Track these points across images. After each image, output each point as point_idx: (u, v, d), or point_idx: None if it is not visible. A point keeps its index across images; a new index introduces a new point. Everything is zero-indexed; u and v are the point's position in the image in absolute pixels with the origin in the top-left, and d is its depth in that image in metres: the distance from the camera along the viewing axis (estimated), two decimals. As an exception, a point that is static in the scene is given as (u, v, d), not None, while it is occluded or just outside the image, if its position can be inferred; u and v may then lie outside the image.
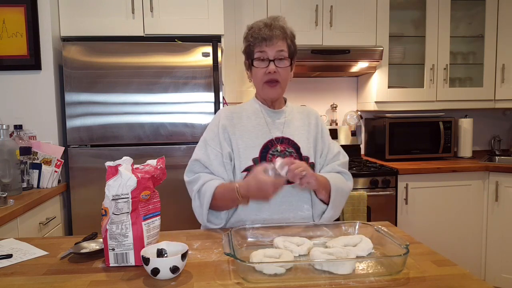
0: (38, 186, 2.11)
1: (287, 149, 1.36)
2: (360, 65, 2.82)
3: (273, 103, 1.44)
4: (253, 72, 1.40)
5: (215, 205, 1.31)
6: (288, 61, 1.36)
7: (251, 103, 1.48)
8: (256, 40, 1.36)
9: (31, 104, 2.25)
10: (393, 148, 2.89)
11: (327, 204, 1.35)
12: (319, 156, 1.44)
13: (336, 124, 3.20)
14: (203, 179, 1.33)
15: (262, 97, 1.44)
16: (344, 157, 1.47)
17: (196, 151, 1.41)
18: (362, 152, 3.26)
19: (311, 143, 1.42)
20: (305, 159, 1.37)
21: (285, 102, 1.51)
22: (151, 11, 2.32)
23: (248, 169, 1.32)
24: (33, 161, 2.12)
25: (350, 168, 2.57)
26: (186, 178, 1.38)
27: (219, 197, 1.29)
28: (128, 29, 2.32)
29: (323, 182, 1.31)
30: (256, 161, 1.34)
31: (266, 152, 1.35)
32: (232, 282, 0.93)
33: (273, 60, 1.33)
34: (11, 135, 2.09)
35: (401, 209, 2.62)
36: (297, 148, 1.38)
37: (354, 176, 2.49)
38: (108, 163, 1.04)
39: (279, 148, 1.36)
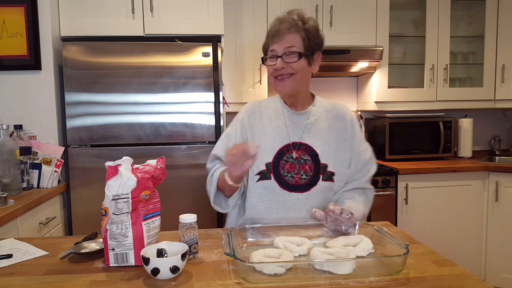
0: (38, 186, 2.11)
1: (302, 156, 1.30)
2: (360, 65, 2.81)
3: (294, 103, 1.37)
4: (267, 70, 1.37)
5: (221, 189, 1.33)
6: (299, 55, 1.26)
7: (275, 101, 1.42)
8: (268, 38, 1.31)
9: (31, 104, 2.25)
10: (393, 148, 2.89)
11: None
12: (346, 165, 1.33)
13: (336, 124, 3.19)
14: (216, 166, 1.38)
15: (277, 94, 1.39)
16: (373, 166, 1.37)
17: (217, 144, 1.45)
18: (362, 152, 3.25)
19: (332, 149, 1.32)
20: (323, 167, 1.29)
21: (313, 99, 1.41)
22: (151, 11, 2.32)
23: (261, 173, 1.31)
24: (33, 161, 2.12)
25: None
26: (207, 167, 1.45)
27: (220, 182, 1.30)
28: (128, 29, 2.32)
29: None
30: (269, 166, 1.30)
31: (281, 158, 1.31)
32: (232, 282, 0.93)
33: (281, 56, 1.27)
34: (11, 135, 2.09)
35: (401, 209, 2.62)
36: (314, 155, 1.30)
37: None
38: (108, 163, 1.04)
39: (294, 154, 1.31)
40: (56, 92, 2.29)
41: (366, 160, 1.36)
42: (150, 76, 2.24)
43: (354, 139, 1.35)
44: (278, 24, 1.28)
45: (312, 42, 1.29)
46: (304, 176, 1.29)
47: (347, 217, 1.13)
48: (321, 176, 1.29)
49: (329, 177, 1.30)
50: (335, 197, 1.35)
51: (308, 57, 1.30)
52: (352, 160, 1.35)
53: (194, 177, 2.29)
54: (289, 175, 1.30)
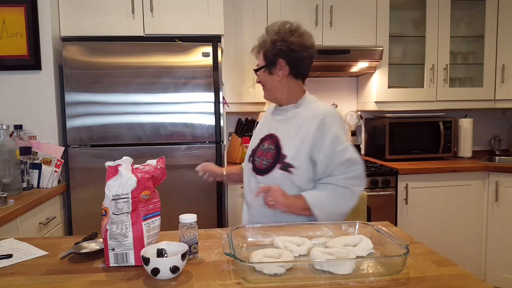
0: (38, 186, 2.11)
1: (269, 146, 1.42)
2: (360, 65, 2.81)
3: (279, 103, 1.50)
4: None
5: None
6: (258, 70, 1.43)
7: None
8: None
9: (31, 104, 2.25)
10: (393, 148, 2.89)
11: None
12: (309, 163, 1.35)
13: (336, 124, 3.19)
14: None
15: None
16: (353, 168, 1.32)
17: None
18: (362, 152, 3.26)
19: (297, 144, 1.36)
20: (282, 157, 1.36)
21: (303, 98, 1.46)
22: (151, 11, 2.32)
23: (249, 158, 1.51)
24: (33, 161, 2.12)
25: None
26: None
27: None
28: (128, 29, 2.32)
29: (295, 205, 1.31)
30: (253, 152, 1.49)
31: (258, 146, 1.48)
32: (232, 282, 0.93)
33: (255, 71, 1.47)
34: (11, 135, 2.09)
35: (401, 209, 2.62)
36: (278, 146, 1.39)
37: (354, 176, 2.53)
38: (108, 163, 1.04)
39: (266, 145, 1.44)
40: (56, 92, 2.29)
41: (342, 161, 1.32)
42: (150, 76, 2.24)
43: (323, 140, 1.33)
44: None
45: (271, 53, 1.39)
46: (265, 162, 1.41)
47: (270, 198, 1.30)
48: (279, 165, 1.36)
49: (286, 167, 1.35)
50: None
51: (269, 67, 1.41)
52: (319, 159, 1.34)
53: (194, 177, 2.28)
54: (257, 160, 1.45)
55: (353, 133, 3.14)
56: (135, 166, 1.10)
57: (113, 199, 1.02)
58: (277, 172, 1.36)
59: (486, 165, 2.70)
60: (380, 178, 2.55)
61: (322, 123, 1.34)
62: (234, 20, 2.72)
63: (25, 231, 1.75)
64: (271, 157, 1.38)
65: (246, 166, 1.52)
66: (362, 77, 3.16)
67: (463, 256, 2.69)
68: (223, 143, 2.32)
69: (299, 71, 1.41)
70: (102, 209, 1.05)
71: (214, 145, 2.29)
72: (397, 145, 2.90)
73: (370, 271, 0.97)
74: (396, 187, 2.59)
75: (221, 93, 2.29)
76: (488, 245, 2.71)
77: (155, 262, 0.93)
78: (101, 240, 1.08)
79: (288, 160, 1.35)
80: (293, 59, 1.38)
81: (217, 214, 2.30)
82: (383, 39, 2.84)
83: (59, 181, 2.20)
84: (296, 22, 1.41)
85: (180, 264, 0.95)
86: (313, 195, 1.31)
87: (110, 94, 2.22)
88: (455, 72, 3.14)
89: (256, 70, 1.45)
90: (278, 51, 1.37)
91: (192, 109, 2.28)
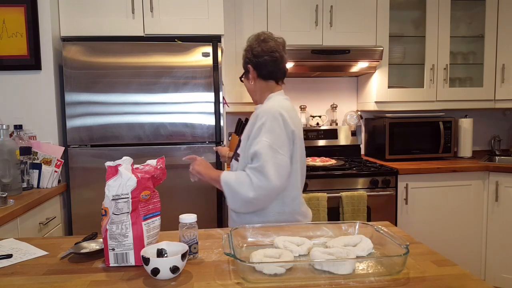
0: (38, 186, 2.11)
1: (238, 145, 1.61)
2: (360, 65, 2.81)
3: (256, 103, 1.64)
4: None
5: None
6: (244, 77, 1.63)
7: None
8: None
9: (31, 104, 2.25)
10: (393, 148, 2.89)
11: None
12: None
13: (336, 124, 3.20)
14: None
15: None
16: (256, 159, 1.37)
17: None
18: (362, 152, 3.26)
19: (246, 137, 1.51)
20: (236, 150, 1.58)
21: (268, 98, 1.57)
22: (151, 11, 2.32)
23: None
24: (33, 161, 2.12)
25: (350, 168, 2.60)
26: None
27: None
28: (128, 29, 2.32)
29: (208, 174, 1.50)
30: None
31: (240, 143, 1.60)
32: (232, 282, 0.93)
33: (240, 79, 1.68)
34: (11, 135, 2.09)
35: (401, 209, 2.62)
36: (240, 141, 1.57)
37: (354, 176, 2.53)
38: (108, 163, 1.04)
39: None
40: (56, 92, 2.29)
41: (249, 152, 1.42)
42: (150, 76, 2.24)
43: (251, 131, 1.47)
44: None
45: (244, 61, 1.60)
46: (232, 155, 1.64)
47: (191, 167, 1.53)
48: (235, 156, 1.58)
49: (236, 157, 1.56)
50: None
51: (245, 74, 1.62)
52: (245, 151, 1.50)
53: (194, 177, 2.28)
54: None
55: (353, 133, 3.14)
56: (135, 166, 1.10)
57: (113, 199, 1.02)
58: (233, 161, 1.60)
59: (486, 165, 2.70)
60: (380, 178, 2.55)
61: (256, 117, 1.47)
62: (234, 20, 2.72)
63: (25, 231, 1.75)
64: (235, 151, 1.61)
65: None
66: (362, 77, 3.16)
67: (463, 256, 2.69)
68: (223, 143, 2.32)
69: (265, 73, 1.55)
70: (102, 209, 1.05)
71: (214, 145, 2.30)
72: (397, 145, 2.90)
73: (370, 271, 0.97)
74: (396, 187, 2.59)
75: (221, 93, 2.29)
76: (488, 245, 2.71)
77: (155, 262, 0.93)
78: (101, 240, 1.08)
79: (238, 151, 1.55)
80: (257, 63, 1.54)
81: (217, 214, 2.30)
82: (383, 39, 2.84)
83: (59, 181, 2.20)
84: (269, 32, 1.57)
85: (180, 264, 0.95)
86: (228, 173, 1.46)
87: (110, 94, 2.22)
88: (455, 72, 3.14)
89: (240, 78, 1.67)
90: (247, 59, 1.57)
91: (192, 109, 2.28)
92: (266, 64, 1.53)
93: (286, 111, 1.44)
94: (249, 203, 1.37)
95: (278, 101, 1.51)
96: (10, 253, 1.13)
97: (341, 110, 3.25)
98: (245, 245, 1.15)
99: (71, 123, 2.21)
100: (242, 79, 1.66)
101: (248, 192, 1.34)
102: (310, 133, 3.07)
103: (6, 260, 1.09)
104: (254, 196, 1.34)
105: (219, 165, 2.30)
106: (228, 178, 1.42)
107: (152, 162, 1.15)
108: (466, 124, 3.02)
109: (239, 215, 1.51)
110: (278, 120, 1.41)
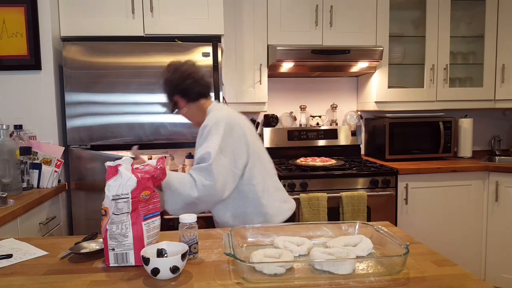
0: (38, 186, 2.11)
1: None
2: (360, 65, 2.81)
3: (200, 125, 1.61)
4: None
5: None
6: (177, 110, 1.63)
7: None
8: None
9: (31, 104, 2.25)
10: (393, 148, 2.89)
11: None
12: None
13: (336, 124, 3.20)
14: None
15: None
16: (199, 163, 1.43)
17: None
18: (362, 152, 3.26)
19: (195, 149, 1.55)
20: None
21: (207, 113, 1.60)
22: (151, 11, 2.32)
23: None
24: (33, 161, 2.11)
25: (350, 168, 2.60)
26: None
27: None
28: (128, 29, 2.32)
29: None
30: None
31: None
32: (232, 282, 0.93)
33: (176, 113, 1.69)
34: (11, 135, 2.09)
35: (401, 209, 2.62)
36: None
37: (354, 176, 2.53)
38: (108, 163, 1.04)
39: None
40: (56, 92, 2.29)
41: (197, 157, 1.47)
42: (150, 76, 2.24)
43: (199, 141, 1.52)
44: None
45: (168, 97, 1.63)
46: None
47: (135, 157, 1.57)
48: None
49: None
50: None
51: (176, 108, 1.63)
52: None
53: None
54: None
55: (353, 133, 3.14)
56: (135, 166, 1.10)
57: (113, 199, 1.02)
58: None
59: (486, 165, 2.70)
60: (380, 178, 2.55)
61: (203, 128, 1.51)
62: (234, 20, 2.72)
63: (25, 231, 1.75)
64: None
65: None
66: (362, 77, 3.16)
67: (463, 256, 2.69)
68: (223, 143, 2.32)
69: (194, 95, 1.58)
70: (102, 209, 1.05)
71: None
72: (397, 145, 2.90)
73: (370, 271, 0.97)
74: (396, 187, 2.59)
75: (221, 93, 2.29)
76: (488, 245, 2.71)
77: (155, 262, 0.93)
78: (101, 240, 1.08)
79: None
80: (181, 91, 1.57)
81: (217, 214, 2.29)
82: (383, 39, 2.84)
83: (59, 181, 2.19)
84: (174, 60, 1.65)
85: (180, 264, 0.95)
86: (173, 173, 1.45)
87: (110, 94, 2.22)
88: (455, 72, 3.14)
89: (172, 113, 1.65)
90: (169, 92, 1.60)
91: (192, 109, 2.27)
92: (190, 87, 1.57)
93: (232, 117, 1.51)
94: (192, 204, 1.39)
95: (220, 110, 1.57)
96: (10, 253, 1.13)
97: (341, 110, 3.25)
98: (245, 245, 1.15)
99: (71, 123, 2.21)
100: (174, 113, 1.65)
101: (192, 192, 1.38)
102: (310, 133, 3.08)
103: (6, 260, 1.09)
104: (198, 196, 1.37)
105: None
106: (170, 180, 1.38)
107: (152, 162, 1.15)
108: (466, 124, 3.02)
109: (221, 218, 1.56)
110: (223, 126, 1.46)
